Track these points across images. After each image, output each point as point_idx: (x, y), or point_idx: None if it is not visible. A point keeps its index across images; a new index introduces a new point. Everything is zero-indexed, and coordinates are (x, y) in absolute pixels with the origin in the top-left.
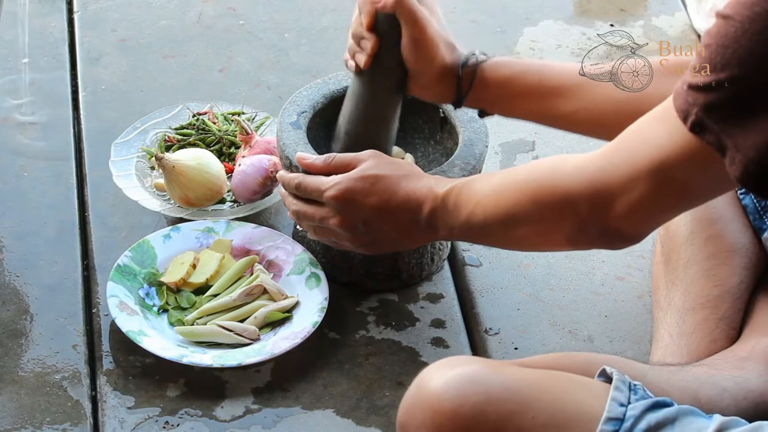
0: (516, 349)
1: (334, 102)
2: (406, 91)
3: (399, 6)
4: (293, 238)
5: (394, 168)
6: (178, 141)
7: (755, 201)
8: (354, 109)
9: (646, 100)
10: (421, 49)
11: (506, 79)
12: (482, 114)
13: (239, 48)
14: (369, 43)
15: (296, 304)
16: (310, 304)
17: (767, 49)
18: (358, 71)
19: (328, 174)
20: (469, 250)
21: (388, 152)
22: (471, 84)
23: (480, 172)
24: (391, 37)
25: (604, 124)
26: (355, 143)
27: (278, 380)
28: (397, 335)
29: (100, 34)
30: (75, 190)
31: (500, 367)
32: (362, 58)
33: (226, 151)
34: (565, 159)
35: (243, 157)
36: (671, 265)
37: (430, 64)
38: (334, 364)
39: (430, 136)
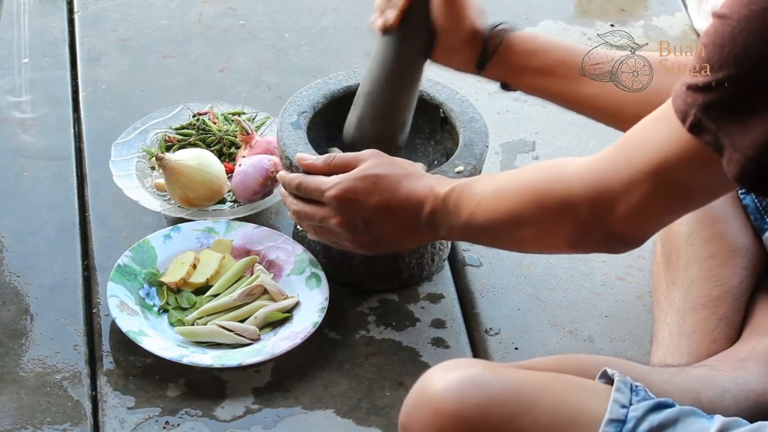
0: (516, 349)
1: (335, 102)
2: (430, 55)
3: None
4: (293, 238)
5: (395, 167)
6: (179, 141)
7: (756, 201)
8: (378, 70)
9: (669, 93)
10: (452, 5)
11: (532, 51)
12: (504, 87)
13: (239, 48)
14: None
15: (296, 305)
16: (311, 304)
17: (764, 47)
18: (386, 30)
19: (328, 174)
20: (470, 250)
21: (407, 120)
22: (497, 48)
23: (480, 172)
24: None
25: (622, 113)
26: (376, 105)
27: (278, 380)
28: (397, 335)
29: (100, 34)
30: (75, 190)
31: (502, 369)
32: (392, 14)
33: (226, 151)
34: (566, 162)
35: (243, 157)
36: (671, 266)
37: (459, 23)
38: (334, 364)
39: (430, 136)
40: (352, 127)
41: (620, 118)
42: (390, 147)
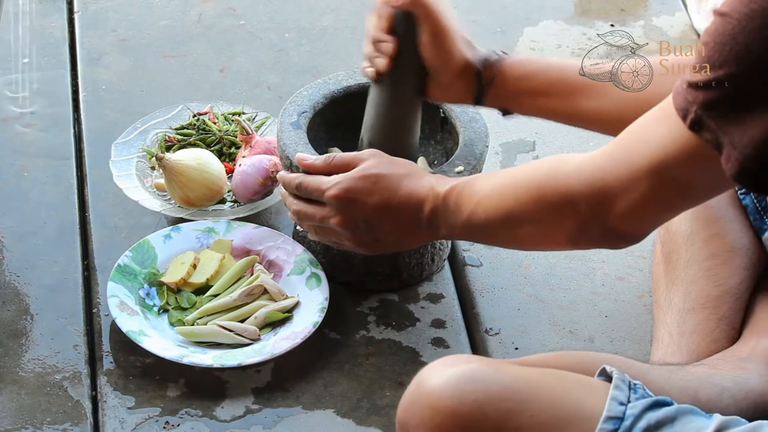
0: (516, 349)
1: (335, 102)
2: (425, 94)
3: (415, 1)
4: (293, 238)
5: (395, 167)
6: (179, 141)
7: (755, 201)
8: (375, 117)
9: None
10: (440, 43)
11: (527, 76)
12: (505, 113)
13: (239, 48)
14: (389, 45)
15: (296, 304)
16: (311, 304)
17: (764, 46)
18: (378, 78)
19: (328, 174)
20: (470, 250)
21: (413, 159)
22: (492, 80)
23: (480, 172)
24: (410, 37)
25: (624, 123)
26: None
27: (278, 380)
28: (397, 335)
29: (100, 34)
30: (75, 190)
31: (499, 365)
32: (382, 62)
33: (226, 151)
34: (566, 159)
35: (243, 157)
36: (671, 265)
37: (450, 59)
38: (334, 364)
39: (430, 136)
40: None
41: (622, 127)
42: None
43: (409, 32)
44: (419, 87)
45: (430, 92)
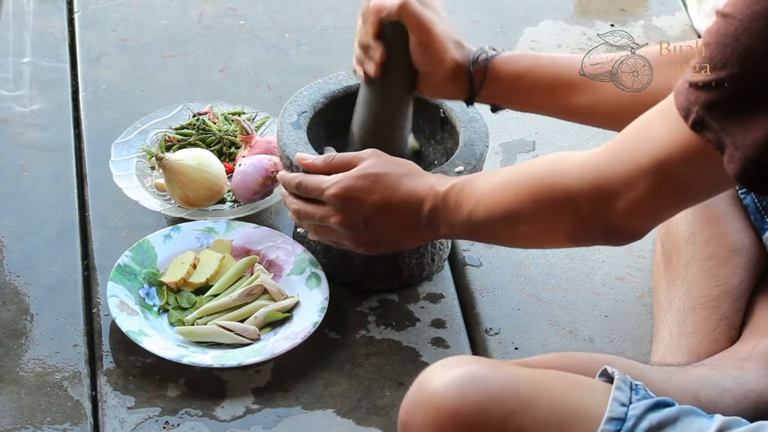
0: (516, 349)
1: (335, 102)
2: (416, 91)
3: (403, 12)
4: (293, 238)
5: (395, 166)
6: (179, 141)
7: (756, 201)
8: (366, 115)
9: (664, 93)
10: (429, 51)
11: (518, 74)
12: (495, 109)
13: (239, 48)
14: (377, 52)
15: (296, 304)
16: (311, 304)
17: (767, 47)
18: (368, 79)
19: (328, 173)
20: (470, 250)
21: (403, 154)
22: (483, 80)
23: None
24: (399, 43)
25: (621, 117)
26: (372, 145)
27: (278, 380)
28: (397, 335)
29: (100, 34)
30: (75, 190)
31: (501, 366)
32: (371, 67)
33: (226, 151)
34: (566, 156)
35: (243, 157)
36: (672, 265)
37: (440, 65)
38: (334, 364)
39: (430, 136)
40: None
41: (618, 121)
42: None
43: (398, 38)
44: (409, 87)
45: (422, 91)
